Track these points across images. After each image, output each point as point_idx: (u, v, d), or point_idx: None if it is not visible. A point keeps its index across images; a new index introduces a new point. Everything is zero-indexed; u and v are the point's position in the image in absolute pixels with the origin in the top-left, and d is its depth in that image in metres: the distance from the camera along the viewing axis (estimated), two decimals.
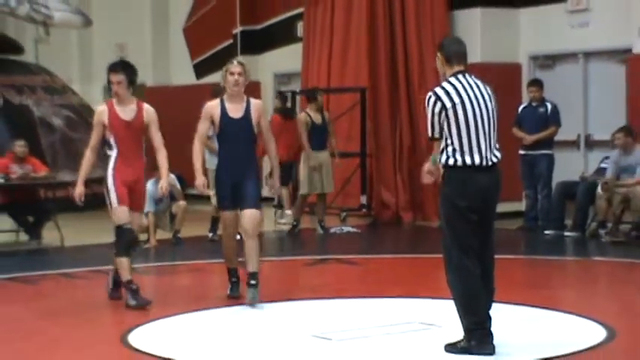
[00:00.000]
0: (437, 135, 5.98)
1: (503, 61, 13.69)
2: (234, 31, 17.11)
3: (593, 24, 13.03)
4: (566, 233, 11.72)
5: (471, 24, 13.72)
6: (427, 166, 6.19)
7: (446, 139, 5.95)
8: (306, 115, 12.48)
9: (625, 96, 12.44)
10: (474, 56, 13.84)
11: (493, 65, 13.15)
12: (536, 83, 12.53)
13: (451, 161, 5.91)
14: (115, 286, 8.08)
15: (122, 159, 7.82)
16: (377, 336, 6.64)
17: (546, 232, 11.97)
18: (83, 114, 17.37)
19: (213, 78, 17.80)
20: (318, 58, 15.03)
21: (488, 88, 6.07)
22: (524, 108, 12.49)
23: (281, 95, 14.68)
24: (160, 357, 6.23)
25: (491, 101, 6.01)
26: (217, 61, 17.84)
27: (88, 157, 8.03)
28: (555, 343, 6.33)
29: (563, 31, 13.32)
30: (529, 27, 13.73)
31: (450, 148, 5.92)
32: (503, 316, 6.53)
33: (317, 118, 12.40)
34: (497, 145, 6.04)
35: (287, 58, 16.31)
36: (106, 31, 19.39)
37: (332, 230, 12.66)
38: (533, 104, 12.38)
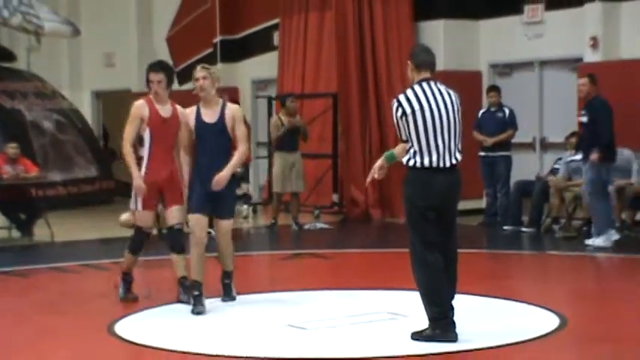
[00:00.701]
0: (404, 137, 6.03)
1: (464, 69, 13.73)
2: (215, 41, 17.06)
3: (547, 35, 13.10)
4: (523, 229, 11.77)
5: (434, 34, 13.75)
6: (380, 161, 6.19)
7: (409, 142, 5.99)
8: (278, 118, 12.49)
9: (576, 101, 12.52)
10: (438, 64, 13.70)
11: (455, 73, 13.18)
12: (495, 89, 12.59)
13: (411, 162, 5.96)
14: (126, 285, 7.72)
15: (155, 158, 7.29)
16: (348, 325, 6.64)
17: (505, 227, 12.02)
18: (72, 118, 17.28)
19: None
20: (293, 65, 15.02)
21: (452, 95, 6.08)
22: (483, 113, 12.53)
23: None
24: (144, 346, 6.21)
25: (453, 107, 6.02)
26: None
27: (131, 152, 7.31)
28: (513, 331, 6.36)
29: (520, 41, 13.38)
30: (488, 37, 13.78)
31: (411, 151, 5.97)
32: (465, 306, 6.55)
33: (289, 122, 12.43)
34: (460, 148, 6.05)
35: (264, 66, 16.28)
36: (93, 40, 19.27)
37: (306, 226, 12.65)
38: (492, 109, 12.43)
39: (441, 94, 6.02)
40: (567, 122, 12.36)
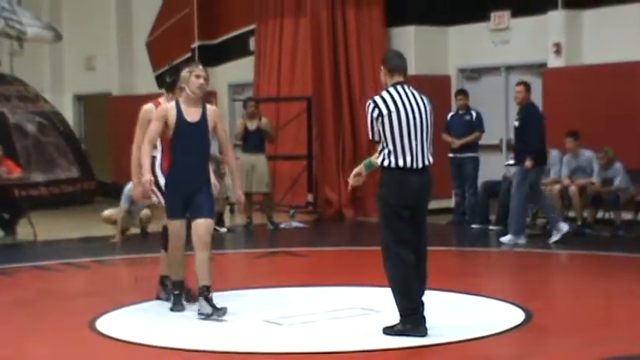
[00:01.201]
0: (376, 138, 6.02)
1: (434, 73, 13.77)
2: (193, 45, 17.01)
3: (513, 41, 13.17)
4: (491, 227, 11.82)
5: (405, 40, 13.78)
6: (358, 168, 6.20)
7: (382, 143, 5.97)
8: (243, 121, 12.54)
9: (541, 105, 12.60)
10: (409, 69, 13.76)
11: (425, 77, 13.22)
12: (463, 93, 12.64)
13: (386, 163, 5.96)
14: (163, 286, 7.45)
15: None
16: (323, 321, 6.63)
17: (473, 226, 12.07)
18: (54, 120, 17.16)
19: None
20: (268, 70, 15.00)
21: (424, 98, 6.10)
22: (452, 115, 12.58)
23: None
24: (125, 342, 6.17)
25: (425, 110, 6.04)
26: (177, 73, 17.70)
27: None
28: (481, 325, 6.38)
29: (487, 47, 13.45)
30: (457, 43, 13.84)
31: (385, 151, 5.97)
32: (435, 302, 6.57)
33: (251, 124, 12.48)
34: (432, 150, 6.07)
35: (241, 70, 16.25)
36: (75, 44, 19.16)
37: (281, 225, 12.63)
38: (460, 112, 12.47)
39: (414, 97, 6.04)
40: None
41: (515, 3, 13.12)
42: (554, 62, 12.47)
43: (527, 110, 10.66)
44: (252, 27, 15.67)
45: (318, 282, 8.37)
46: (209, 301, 6.62)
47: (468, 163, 12.29)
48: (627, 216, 11.36)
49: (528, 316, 6.65)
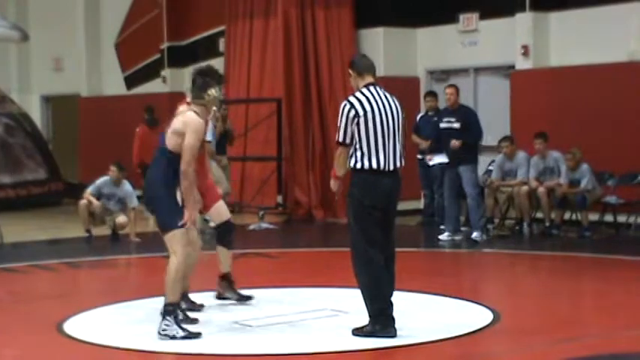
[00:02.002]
0: (348, 141, 5.93)
1: (403, 75, 13.82)
2: (162, 47, 16.93)
3: (482, 43, 13.25)
4: (460, 228, 11.86)
5: (374, 42, 13.82)
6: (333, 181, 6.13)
7: (355, 144, 5.92)
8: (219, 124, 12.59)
9: (509, 106, 12.70)
10: (378, 71, 13.80)
11: (395, 79, 13.26)
12: (432, 94, 12.69)
13: (358, 165, 5.91)
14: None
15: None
16: (293, 322, 6.63)
17: (442, 227, 12.10)
18: (21, 122, 17.00)
19: (143, 89, 17.60)
20: (238, 71, 14.96)
21: (395, 100, 6.08)
22: (421, 117, 12.62)
23: (148, 108, 14.44)
24: (92, 344, 6.12)
25: (397, 112, 6.02)
26: (146, 74, 17.63)
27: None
28: (449, 326, 6.40)
29: (456, 48, 13.52)
30: (426, 45, 13.90)
31: (358, 153, 5.91)
32: (404, 302, 6.59)
33: (217, 127, 12.48)
34: (404, 152, 6.08)
35: None
36: (42, 45, 18.98)
37: (251, 227, 12.60)
38: (430, 113, 12.52)
39: (386, 98, 6.03)
40: (500, 126, 12.53)
41: (484, 5, 13.20)
42: (522, 64, 12.57)
43: (464, 111, 11.05)
44: (221, 28, 15.64)
45: (288, 283, 8.37)
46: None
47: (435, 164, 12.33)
48: (594, 217, 11.47)
49: (496, 317, 6.68)
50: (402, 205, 13.70)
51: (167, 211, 6.17)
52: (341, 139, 5.96)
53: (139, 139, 13.93)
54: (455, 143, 11.93)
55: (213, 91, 6.31)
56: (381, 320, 5.98)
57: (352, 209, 6.05)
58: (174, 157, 6.18)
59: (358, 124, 5.88)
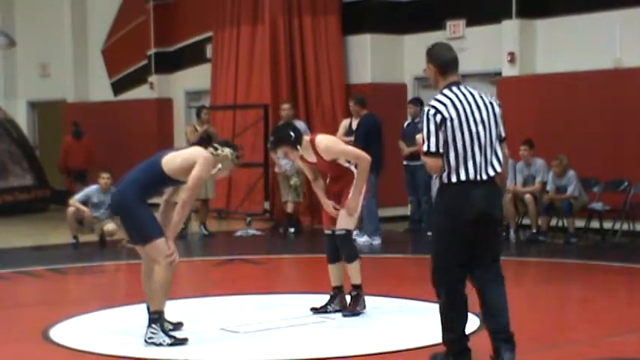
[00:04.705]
0: (441, 150, 5.02)
1: (390, 81, 13.84)
2: (149, 53, 16.91)
3: (469, 50, 13.29)
4: None
5: (361, 48, 13.84)
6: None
7: (441, 156, 5.05)
8: (193, 126, 12.67)
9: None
10: (365, 77, 14.05)
11: (382, 85, 13.29)
12: (415, 101, 12.71)
13: (445, 177, 5.07)
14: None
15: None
16: (280, 328, 6.62)
17: (429, 233, 12.10)
18: (7, 127, 16.94)
19: (130, 95, 17.58)
20: (225, 77, 14.95)
21: (488, 99, 5.20)
22: (408, 124, 12.63)
23: (75, 123, 16.10)
24: (78, 351, 6.09)
25: (488, 112, 5.12)
26: (133, 79, 17.61)
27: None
28: (435, 332, 6.39)
29: None
30: (413, 51, 13.92)
31: (446, 162, 5.06)
32: (391, 308, 6.58)
33: (199, 130, 12.58)
34: (499, 157, 5.14)
35: (197, 77, 16.19)
36: (29, 51, 18.93)
37: (238, 233, 12.59)
38: (416, 120, 12.53)
39: (473, 98, 5.12)
40: None
41: (471, 12, 13.25)
42: (509, 71, 12.61)
43: (367, 120, 11.32)
44: (208, 34, 15.64)
45: (275, 289, 8.35)
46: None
47: (420, 171, 12.33)
48: (580, 223, 11.51)
49: (482, 323, 6.68)
50: (388, 212, 13.75)
51: (144, 223, 6.10)
52: (433, 149, 5.03)
53: (64, 149, 15.97)
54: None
55: (228, 151, 6.30)
56: (453, 351, 5.32)
57: (435, 225, 5.29)
58: (162, 178, 6.15)
59: (445, 130, 5.03)
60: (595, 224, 11.56)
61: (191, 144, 12.55)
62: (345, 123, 12.23)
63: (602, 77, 11.81)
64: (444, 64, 5.17)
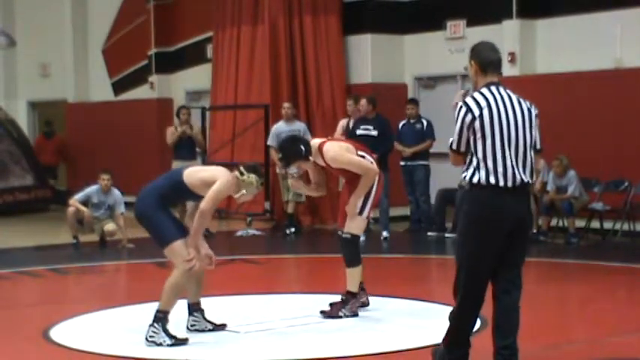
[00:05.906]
0: (462, 148, 5.00)
1: (391, 81, 13.84)
2: (149, 53, 16.92)
3: (469, 50, 13.26)
4: (447, 234, 11.89)
5: (362, 48, 13.84)
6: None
7: (471, 154, 4.99)
8: (174, 128, 12.69)
9: None
10: (366, 77, 14.06)
11: (382, 85, 13.29)
12: (413, 102, 12.72)
13: (474, 178, 4.94)
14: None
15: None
16: (280, 328, 6.62)
17: (429, 233, 12.13)
18: (8, 127, 16.94)
19: (130, 95, 17.58)
20: (225, 77, 14.95)
21: (526, 104, 5.07)
22: (403, 124, 12.63)
23: (47, 121, 16.96)
24: (79, 350, 6.10)
25: (524, 117, 4.99)
26: (134, 79, 17.61)
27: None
28: (435, 332, 6.40)
29: (443, 55, 13.56)
30: (413, 51, 13.93)
31: (473, 164, 4.96)
32: (392, 309, 6.59)
33: (179, 131, 12.60)
34: (532, 166, 5.05)
35: (197, 77, 16.19)
36: (29, 51, 18.93)
37: (238, 233, 12.59)
38: (412, 121, 12.53)
39: (510, 101, 5.00)
40: None
41: (471, 12, 13.25)
42: (509, 71, 12.58)
43: (380, 121, 11.49)
44: (209, 34, 15.64)
45: (276, 289, 8.36)
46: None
47: (418, 171, 12.35)
48: (580, 223, 11.52)
49: (483, 322, 6.68)
50: (390, 212, 13.64)
51: (160, 227, 6.12)
52: (455, 146, 5.03)
53: (34, 147, 17.04)
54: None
55: (254, 178, 6.22)
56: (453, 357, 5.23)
57: (460, 227, 5.19)
58: (182, 189, 6.16)
59: (474, 130, 4.94)
60: (595, 224, 11.56)
61: (169, 144, 12.59)
62: (342, 123, 12.24)
63: (602, 77, 11.81)
64: (486, 63, 5.11)
